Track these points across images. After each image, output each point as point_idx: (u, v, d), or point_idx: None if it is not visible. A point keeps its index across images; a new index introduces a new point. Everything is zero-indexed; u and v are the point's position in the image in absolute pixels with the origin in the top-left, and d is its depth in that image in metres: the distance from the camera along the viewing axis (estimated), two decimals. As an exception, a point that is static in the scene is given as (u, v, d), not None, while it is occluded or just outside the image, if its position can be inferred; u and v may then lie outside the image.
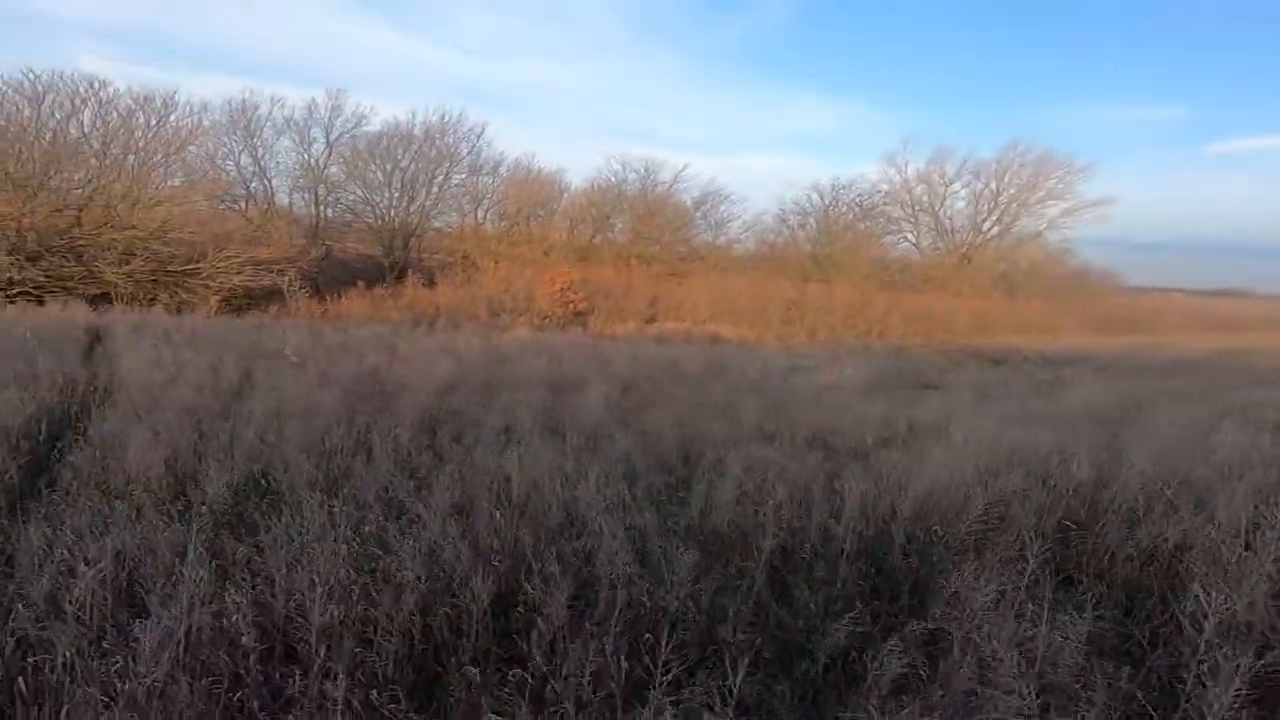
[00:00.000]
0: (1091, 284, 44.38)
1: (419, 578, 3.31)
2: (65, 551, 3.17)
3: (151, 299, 19.93)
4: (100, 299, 18.84)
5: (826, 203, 42.40)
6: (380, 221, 32.98)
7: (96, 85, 22.12)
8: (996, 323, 35.15)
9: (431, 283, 26.58)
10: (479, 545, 3.41)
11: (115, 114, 22.23)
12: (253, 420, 5.31)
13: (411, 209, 33.37)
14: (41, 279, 18.48)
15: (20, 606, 2.84)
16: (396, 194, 32.88)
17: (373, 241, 32.98)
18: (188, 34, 56.22)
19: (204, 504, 4.08)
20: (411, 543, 3.28)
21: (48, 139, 20.78)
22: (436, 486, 3.93)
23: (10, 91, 21.10)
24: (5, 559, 3.34)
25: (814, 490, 4.09)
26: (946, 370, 17.23)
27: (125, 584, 3.18)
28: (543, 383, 8.14)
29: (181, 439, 4.77)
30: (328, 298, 24.08)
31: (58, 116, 21.38)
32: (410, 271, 27.39)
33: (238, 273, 21.03)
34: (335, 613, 2.79)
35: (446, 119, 33.15)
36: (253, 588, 3.06)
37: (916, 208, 44.25)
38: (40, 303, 16.71)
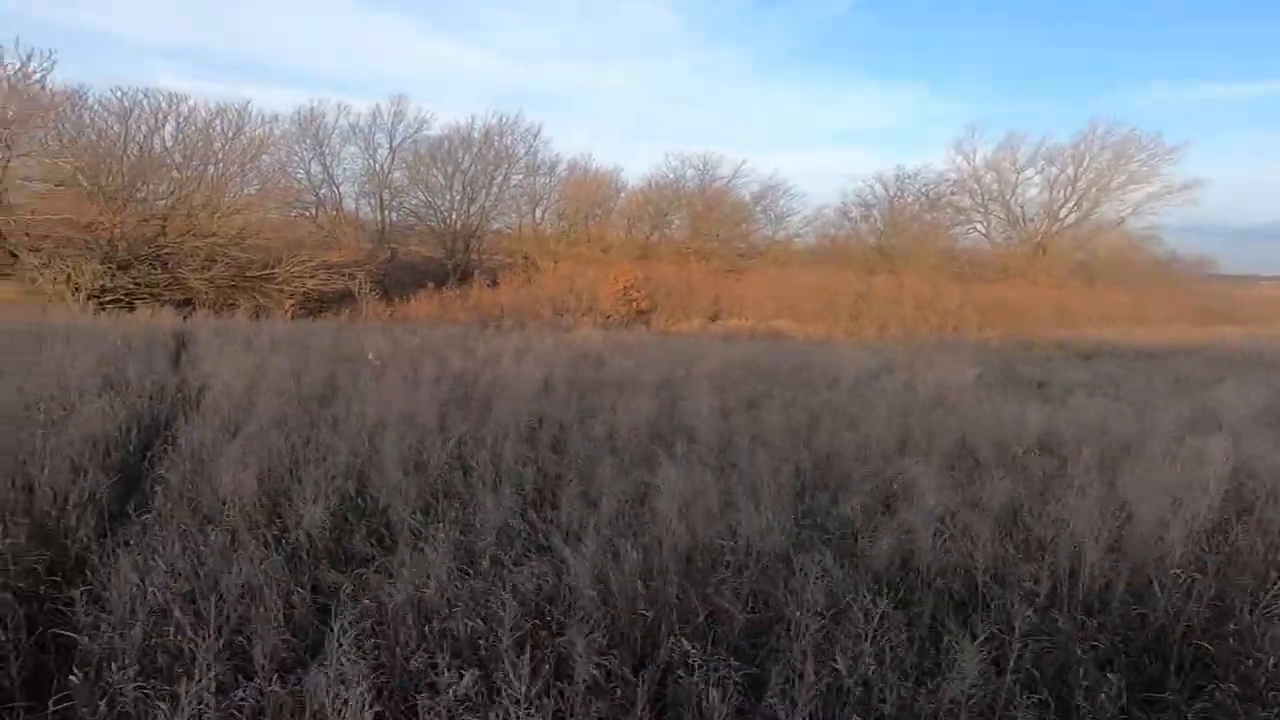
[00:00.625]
0: (1179, 272, 41.26)
1: (551, 625, 2.81)
2: (157, 593, 2.79)
3: (231, 303, 20.46)
4: (184, 304, 19.43)
5: (891, 194, 40.73)
6: (442, 224, 33.39)
7: (176, 100, 22.95)
8: (1076, 314, 32.98)
9: (495, 283, 26.57)
10: (623, 590, 2.87)
11: (194, 127, 23.03)
12: (342, 430, 4.96)
13: (471, 211, 33.66)
14: (131, 286, 19.16)
15: (114, 666, 2.45)
16: (457, 196, 33.26)
17: (435, 244, 33.39)
18: (255, 50, 58.65)
19: (300, 527, 3.69)
20: (544, 582, 2.77)
21: (135, 153, 21.58)
22: (562, 510, 3.43)
23: (101, 109, 22.12)
24: (94, 600, 2.98)
25: (1010, 520, 3.40)
26: (1044, 365, 15.94)
27: (224, 629, 2.78)
28: (632, 385, 7.62)
29: (273, 453, 4.42)
30: (395, 300, 24.36)
31: (143, 131, 22.24)
32: (476, 273, 27.47)
33: (311, 277, 21.41)
34: (471, 679, 2.29)
35: (504, 120, 33.30)
36: (375, 643, 2.60)
37: (986, 196, 42.02)
38: (131, 309, 17.27)
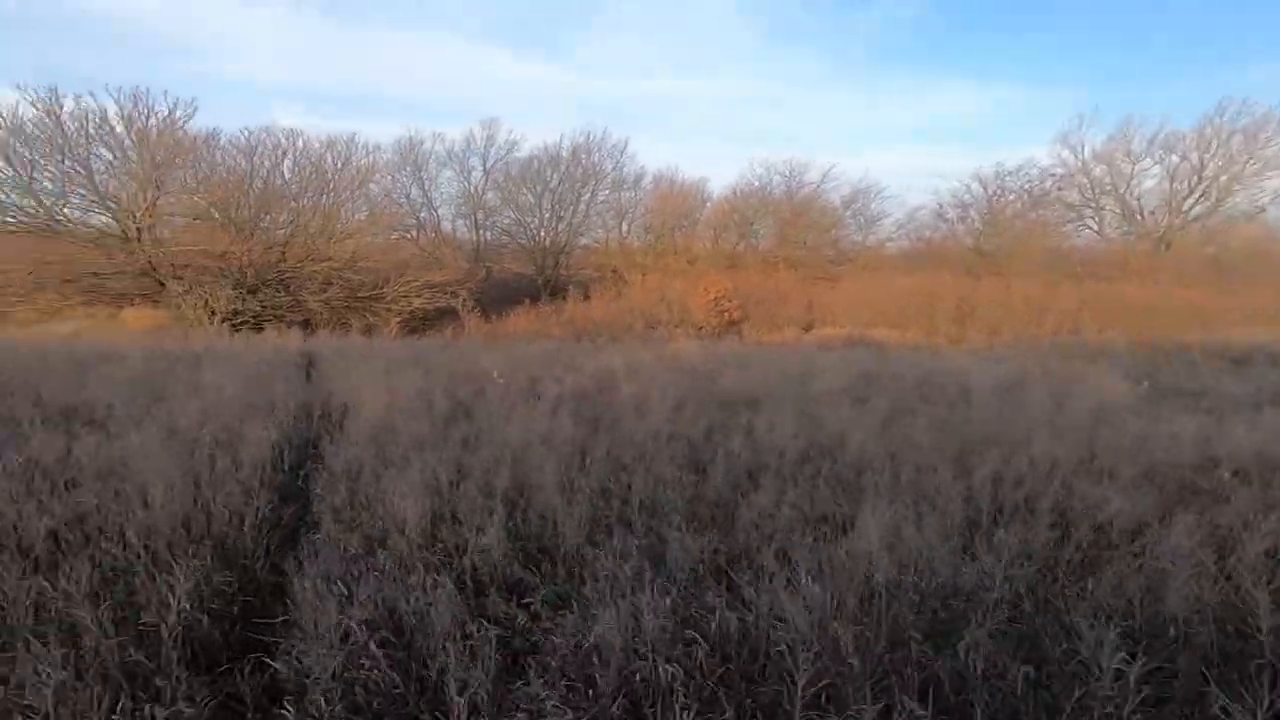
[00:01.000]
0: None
1: (742, 670, 2.59)
2: (354, 628, 2.78)
3: (344, 322, 21.72)
4: (303, 324, 20.78)
5: (990, 192, 38.45)
6: (532, 241, 34.34)
7: (293, 136, 24.71)
8: (1212, 314, 29.84)
9: (587, 298, 26.95)
10: (824, 635, 2.62)
11: (309, 160, 24.71)
12: (485, 451, 4.97)
13: (560, 228, 34.44)
14: (258, 308, 20.67)
15: (323, 699, 2.44)
16: (546, 214, 34.14)
17: (526, 261, 34.34)
18: (359, 86, 62.80)
19: (465, 553, 3.65)
20: (738, 622, 2.56)
21: (259, 186, 23.36)
22: (737, 538, 3.22)
23: (230, 148, 24.14)
24: (289, 625, 3.02)
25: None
26: (1191, 372, 14.40)
27: (413, 664, 2.73)
28: (754, 400, 7.35)
29: (424, 473, 4.45)
30: (491, 316, 25.14)
31: (266, 166, 24.08)
32: (570, 288, 28.03)
33: (417, 296, 22.41)
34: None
35: (592, 137, 33.92)
36: (568, 684, 2.47)
37: (1097, 190, 38.88)
38: (259, 329, 18.59)
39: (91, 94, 21.44)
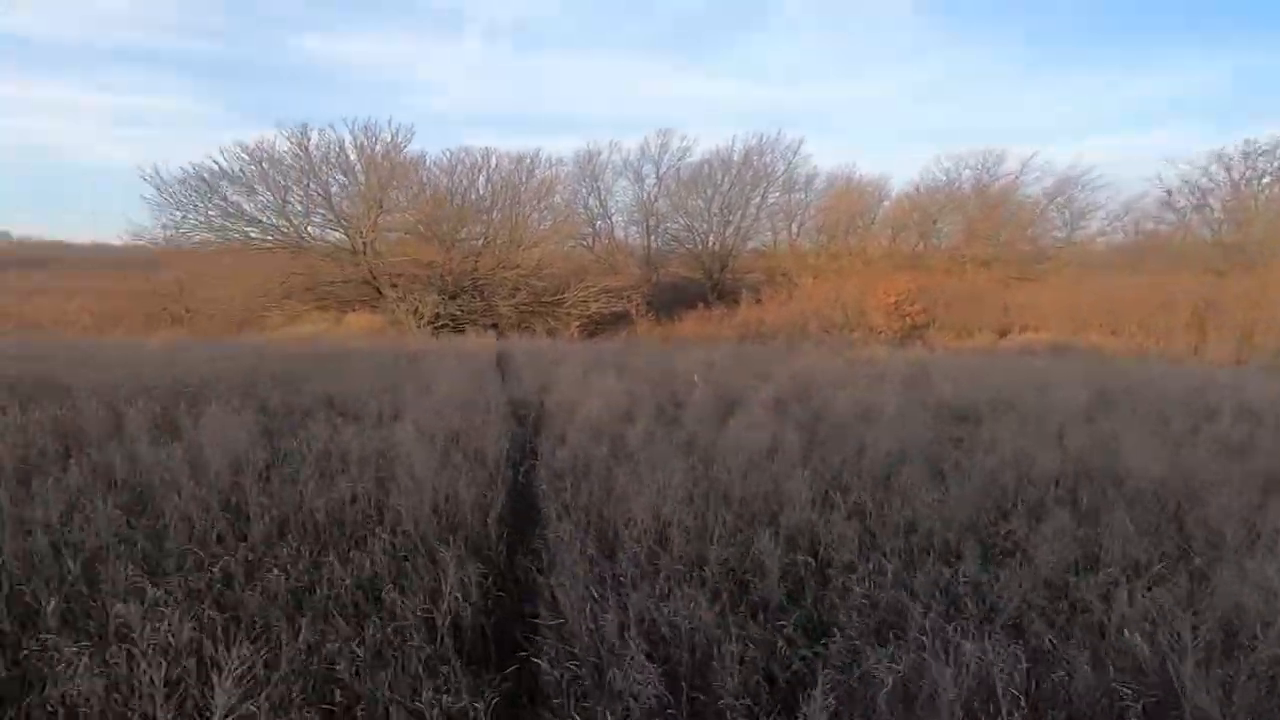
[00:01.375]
0: None
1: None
2: (621, 641, 2.72)
3: (526, 326, 23.18)
4: (491, 327, 22.48)
5: (1236, 176, 32.14)
6: (700, 246, 34.48)
7: (487, 154, 26.86)
8: None
9: (759, 301, 26.50)
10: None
11: (499, 175, 26.73)
12: (710, 457, 4.84)
13: (728, 232, 34.26)
14: (457, 312, 22.70)
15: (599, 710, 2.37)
16: (715, 218, 34.10)
17: (692, 265, 34.55)
18: (540, 107, 67.73)
19: (703, 564, 3.50)
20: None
21: (458, 201, 25.65)
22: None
23: (433, 168, 26.79)
24: (533, 621, 3.04)
25: None
26: None
27: (683, 681, 2.60)
28: (976, 411, 6.57)
29: (656, 477, 4.39)
30: (661, 319, 25.54)
31: (463, 183, 26.41)
32: (744, 291, 27.85)
33: (595, 300, 23.35)
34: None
35: (764, 140, 33.38)
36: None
37: (1383, 168, 30.96)
38: (459, 331, 20.38)
39: (332, 126, 24.94)
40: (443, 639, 3.10)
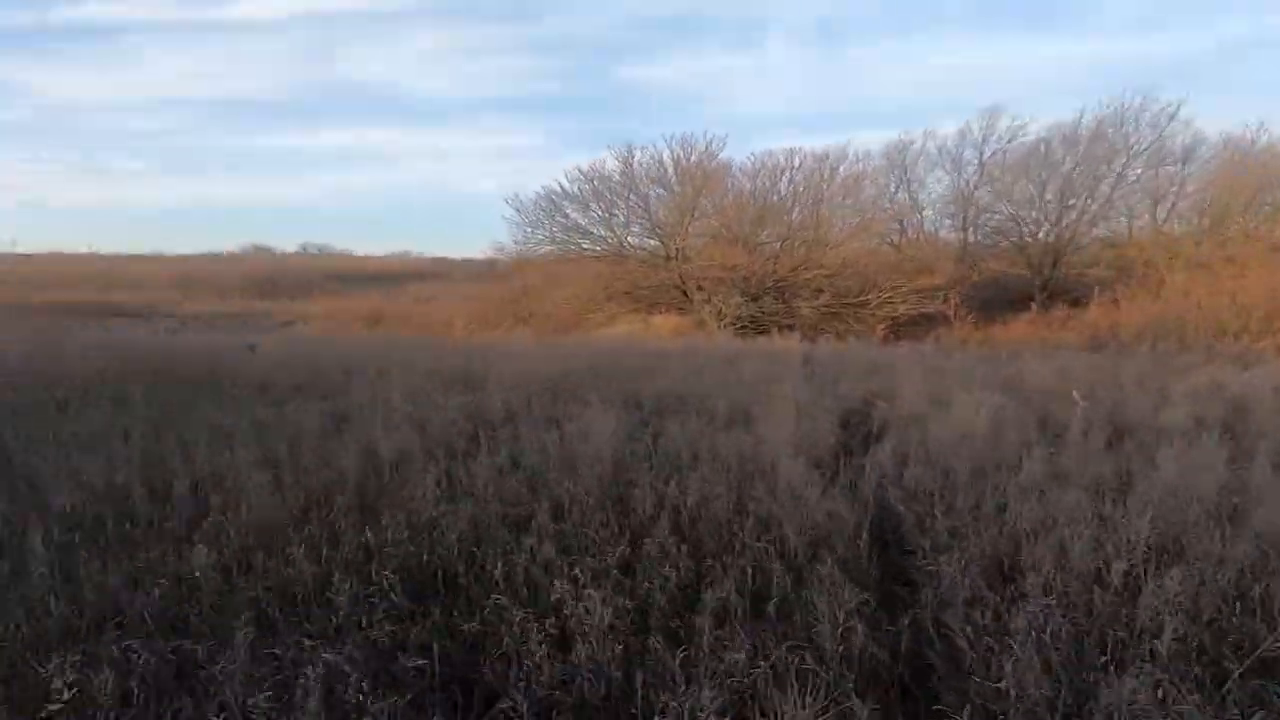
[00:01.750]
0: None
1: None
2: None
3: (823, 329, 22.46)
4: (788, 329, 22.25)
5: None
6: (1028, 238, 29.75)
7: (792, 155, 26.70)
8: None
9: (1115, 301, 22.01)
10: None
11: (803, 175, 26.35)
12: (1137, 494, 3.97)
13: (1065, 222, 28.92)
14: (758, 314, 23.01)
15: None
16: (1050, 205, 29.06)
17: (1016, 260, 29.96)
18: (849, 100, 65.86)
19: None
20: None
21: (759, 204, 25.99)
22: None
23: (738, 174, 27.55)
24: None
25: None
26: None
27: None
28: None
29: (1085, 516, 3.71)
30: (979, 322, 22.67)
31: (766, 185, 26.67)
32: (1095, 289, 23.53)
33: (903, 301, 21.74)
34: None
35: (1125, 107, 27.44)
36: None
37: None
38: (763, 333, 20.67)
39: (653, 144, 27.26)
40: (843, 664, 2.97)
